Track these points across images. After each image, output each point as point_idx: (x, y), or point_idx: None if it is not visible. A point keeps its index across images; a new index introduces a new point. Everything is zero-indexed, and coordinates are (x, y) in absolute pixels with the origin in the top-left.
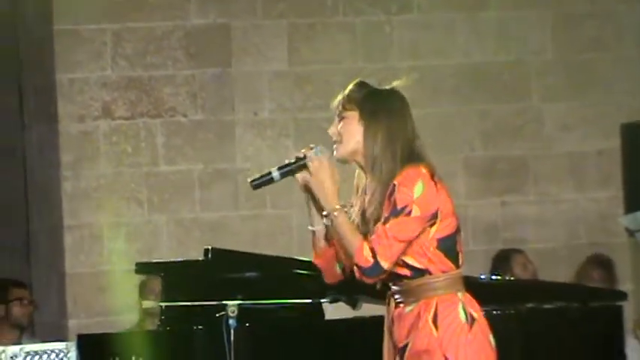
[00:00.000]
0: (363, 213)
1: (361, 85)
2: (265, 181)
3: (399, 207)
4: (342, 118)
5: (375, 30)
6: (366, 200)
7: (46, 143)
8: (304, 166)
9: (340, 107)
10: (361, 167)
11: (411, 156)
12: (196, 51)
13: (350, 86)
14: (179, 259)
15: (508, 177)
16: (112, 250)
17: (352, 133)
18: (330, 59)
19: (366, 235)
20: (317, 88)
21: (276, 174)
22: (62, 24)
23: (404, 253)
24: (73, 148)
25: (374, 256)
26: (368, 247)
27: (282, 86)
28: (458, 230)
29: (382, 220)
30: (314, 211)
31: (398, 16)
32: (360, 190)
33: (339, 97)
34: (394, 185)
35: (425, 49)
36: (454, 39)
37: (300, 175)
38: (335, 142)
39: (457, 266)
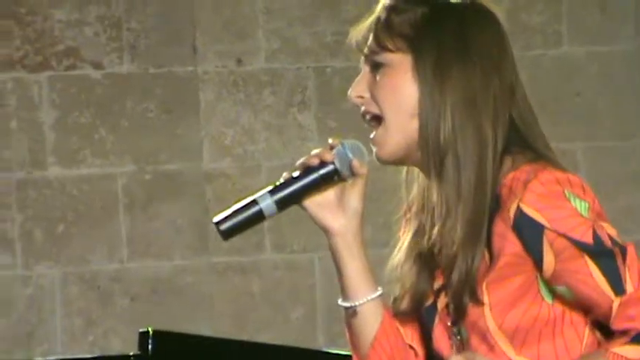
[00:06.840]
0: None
1: None
2: (247, 219)
3: (581, 239)
4: (377, 66)
5: None
6: (435, 229)
7: None
8: (330, 182)
9: (373, 44)
10: (423, 169)
11: (530, 145)
12: None
13: None
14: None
15: None
16: None
17: (403, 96)
18: None
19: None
20: None
21: (268, 204)
22: None
23: None
24: None
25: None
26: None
27: None
28: None
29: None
30: (352, 268)
31: None
32: (416, 207)
33: (369, 22)
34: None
35: None
36: None
37: (335, 196)
38: (368, 120)
39: None
